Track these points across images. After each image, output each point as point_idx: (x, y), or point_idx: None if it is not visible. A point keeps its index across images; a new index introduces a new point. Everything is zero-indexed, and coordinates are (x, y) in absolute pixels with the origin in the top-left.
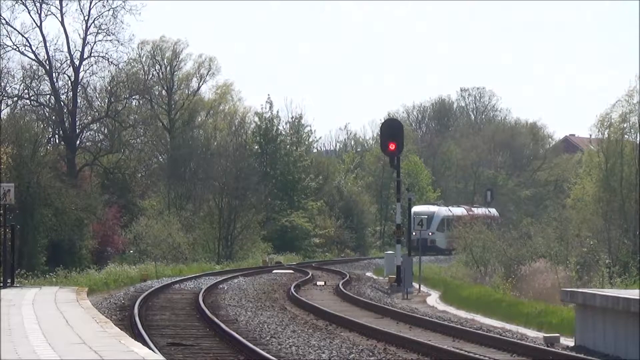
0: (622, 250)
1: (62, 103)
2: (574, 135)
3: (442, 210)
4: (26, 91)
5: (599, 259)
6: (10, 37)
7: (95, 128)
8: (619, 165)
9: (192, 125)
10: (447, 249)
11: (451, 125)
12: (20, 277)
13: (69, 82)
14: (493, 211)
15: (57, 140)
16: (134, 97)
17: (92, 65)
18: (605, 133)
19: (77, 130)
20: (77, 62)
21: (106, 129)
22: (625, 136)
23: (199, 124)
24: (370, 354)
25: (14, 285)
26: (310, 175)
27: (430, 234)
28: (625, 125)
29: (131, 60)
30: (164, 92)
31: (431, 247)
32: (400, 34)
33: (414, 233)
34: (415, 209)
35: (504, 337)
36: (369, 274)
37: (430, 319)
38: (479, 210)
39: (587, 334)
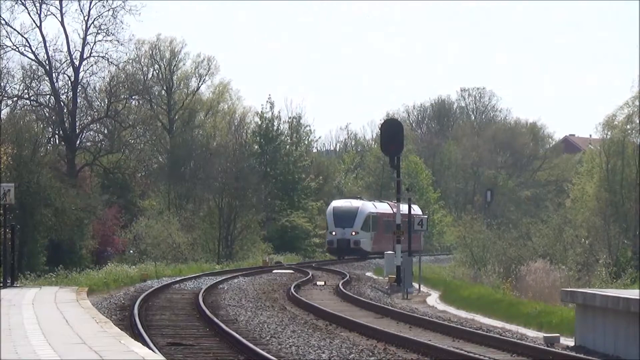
0: (621, 250)
1: (62, 103)
2: (574, 135)
3: (367, 206)
4: (26, 91)
5: (598, 259)
6: (10, 38)
7: (95, 128)
8: (620, 166)
9: (192, 125)
10: (373, 252)
11: (451, 125)
12: (21, 277)
13: (69, 82)
14: (417, 209)
15: (57, 141)
16: (133, 97)
17: (92, 65)
18: (609, 134)
19: (77, 130)
20: (77, 62)
21: (106, 129)
22: (628, 137)
23: (199, 123)
24: (370, 354)
25: (14, 285)
26: (311, 175)
27: (353, 233)
28: (629, 126)
29: (130, 60)
30: (163, 92)
31: (354, 249)
32: (400, 34)
33: (333, 233)
34: (335, 203)
35: (504, 337)
36: (368, 274)
37: (430, 319)
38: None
39: (587, 334)
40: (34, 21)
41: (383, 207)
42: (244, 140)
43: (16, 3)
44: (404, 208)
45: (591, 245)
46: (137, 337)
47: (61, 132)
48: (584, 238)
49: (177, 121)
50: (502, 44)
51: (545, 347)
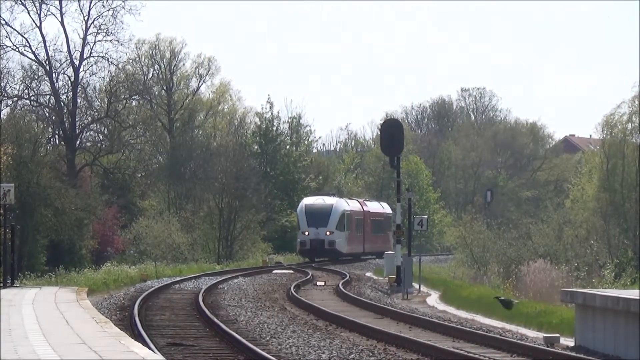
0: (621, 250)
1: (62, 103)
2: (574, 135)
3: (341, 204)
4: (26, 91)
5: (598, 259)
6: (10, 38)
7: (95, 128)
8: (620, 166)
9: (192, 125)
10: (349, 253)
11: (451, 125)
12: (20, 277)
13: (69, 82)
14: (386, 206)
15: (57, 141)
16: (133, 97)
17: (91, 65)
18: (608, 134)
19: (77, 131)
20: (76, 62)
21: (106, 129)
22: (628, 137)
23: (199, 123)
24: (370, 354)
25: (14, 285)
26: (310, 175)
27: (327, 233)
28: (630, 126)
29: (130, 60)
30: (163, 92)
31: (329, 250)
32: (400, 34)
33: (306, 233)
34: (307, 201)
35: (504, 337)
36: (369, 274)
37: (430, 319)
38: (372, 205)
39: (587, 334)
40: (33, 21)
41: (354, 205)
42: (244, 141)
43: (16, 3)
44: (372, 206)
45: (591, 246)
46: (137, 337)
47: (61, 132)
48: (592, 240)
49: (177, 121)
50: (502, 44)
51: (545, 347)
